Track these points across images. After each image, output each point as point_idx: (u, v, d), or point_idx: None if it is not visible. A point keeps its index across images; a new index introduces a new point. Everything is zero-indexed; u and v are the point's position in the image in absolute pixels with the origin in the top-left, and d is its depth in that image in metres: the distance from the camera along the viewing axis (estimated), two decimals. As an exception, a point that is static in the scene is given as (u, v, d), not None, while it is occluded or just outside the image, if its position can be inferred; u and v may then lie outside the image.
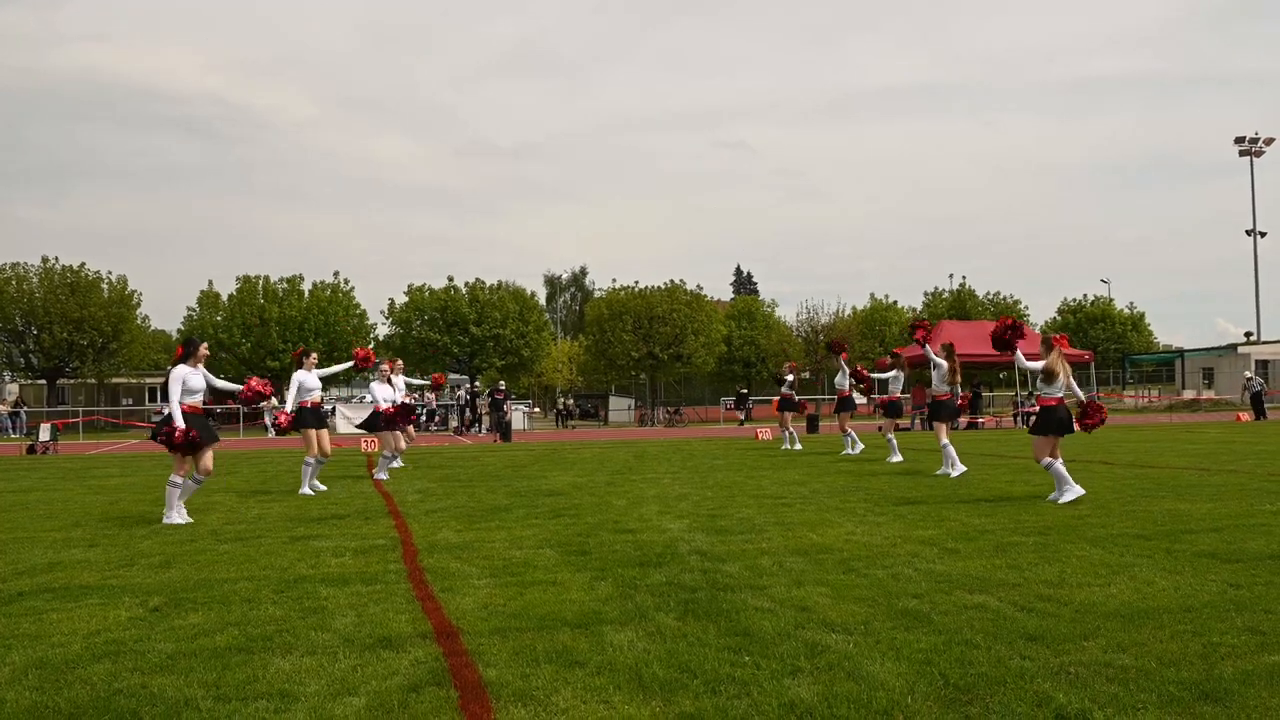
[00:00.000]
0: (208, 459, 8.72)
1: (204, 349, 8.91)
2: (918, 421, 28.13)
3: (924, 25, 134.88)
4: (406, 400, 13.92)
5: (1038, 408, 9.32)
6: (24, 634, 4.52)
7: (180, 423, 8.41)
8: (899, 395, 14.75)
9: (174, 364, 8.72)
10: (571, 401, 46.73)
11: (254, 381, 9.70)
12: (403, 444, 13.82)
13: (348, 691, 3.58)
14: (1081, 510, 8.24)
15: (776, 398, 19.42)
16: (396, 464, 14.26)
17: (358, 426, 14.45)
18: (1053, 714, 3.24)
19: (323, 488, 11.27)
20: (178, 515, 8.51)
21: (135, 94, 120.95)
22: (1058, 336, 9.34)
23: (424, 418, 33.24)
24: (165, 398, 8.84)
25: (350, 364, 12.93)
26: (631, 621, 4.55)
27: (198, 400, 8.74)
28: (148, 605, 5.07)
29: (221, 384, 9.41)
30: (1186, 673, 3.63)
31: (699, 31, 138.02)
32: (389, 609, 4.89)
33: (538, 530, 7.66)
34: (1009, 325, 9.59)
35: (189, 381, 8.60)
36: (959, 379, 12.33)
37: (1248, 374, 34.69)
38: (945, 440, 11.93)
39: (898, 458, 14.23)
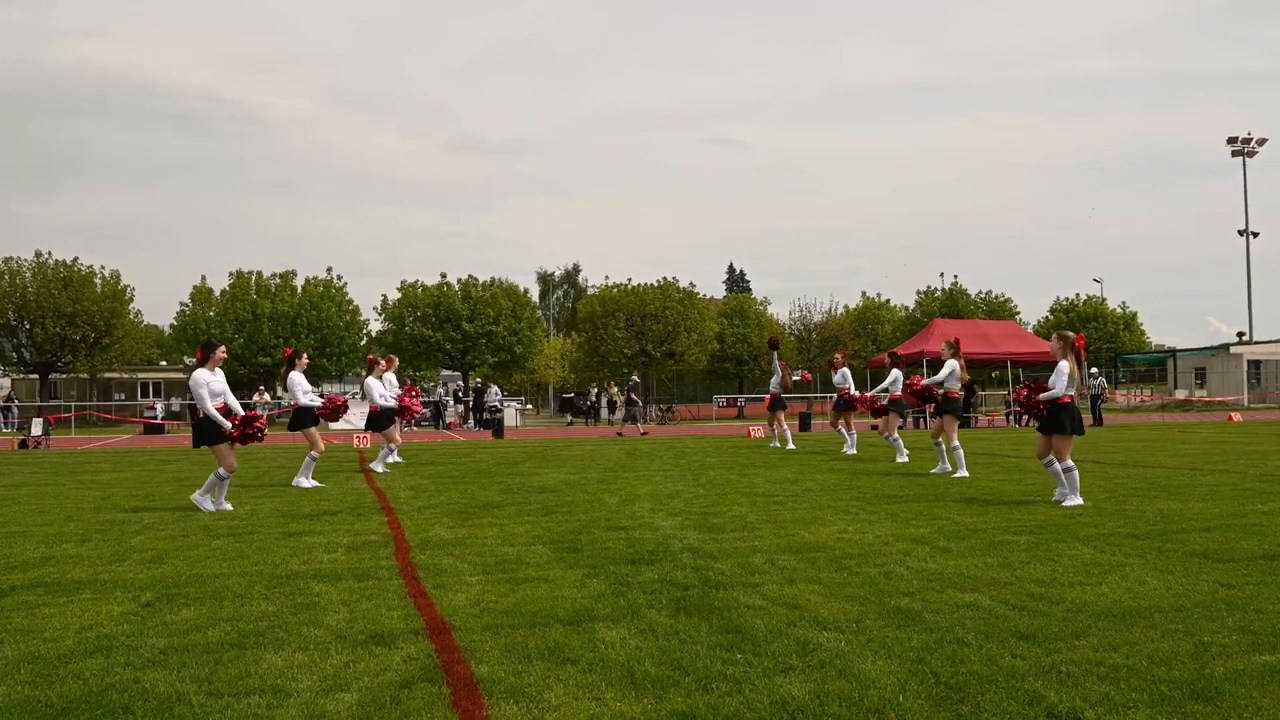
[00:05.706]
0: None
1: (221, 351, 9.12)
2: (910, 420, 28.17)
3: (918, 23, 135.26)
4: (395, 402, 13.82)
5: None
6: (16, 628, 4.50)
7: (226, 423, 8.78)
8: (898, 394, 14.73)
9: (194, 368, 9.03)
10: (615, 389, 37.19)
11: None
12: (397, 438, 13.82)
13: (340, 687, 3.58)
14: (1074, 510, 8.27)
15: (767, 395, 19.36)
16: (394, 458, 14.10)
17: (366, 428, 14.34)
18: (1044, 712, 3.25)
19: (320, 485, 11.26)
20: (211, 503, 8.78)
21: (129, 89, 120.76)
22: (1078, 336, 9.10)
23: (430, 415, 33.20)
24: (198, 404, 8.89)
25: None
26: (624, 619, 4.56)
27: (219, 403, 8.94)
28: (140, 600, 5.06)
29: (236, 404, 9.14)
30: (1178, 672, 3.64)
31: (692, 28, 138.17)
32: (381, 605, 4.89)
33: (530, 527, 7.66)
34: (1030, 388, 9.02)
35: (212, 385, 8.85)
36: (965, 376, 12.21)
37: (1094, 370, 34.06)
38: (956, 442, 11.77)
39: (904, 458, 13.95)
